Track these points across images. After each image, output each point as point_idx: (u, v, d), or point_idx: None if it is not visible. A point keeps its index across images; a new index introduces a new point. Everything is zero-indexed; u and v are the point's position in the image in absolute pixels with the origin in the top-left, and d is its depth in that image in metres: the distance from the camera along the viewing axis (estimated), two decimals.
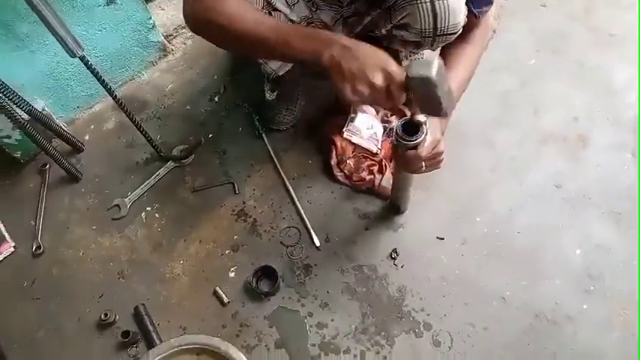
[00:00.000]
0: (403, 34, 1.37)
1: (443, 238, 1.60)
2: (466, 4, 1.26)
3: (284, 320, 1.52)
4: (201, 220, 1.71)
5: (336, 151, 1.71)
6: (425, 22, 1.26)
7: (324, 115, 1.82)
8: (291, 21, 1.40)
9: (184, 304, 1.58)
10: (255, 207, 1.71)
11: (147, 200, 1.77)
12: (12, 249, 1.70)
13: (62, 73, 1.80)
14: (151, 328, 1.51)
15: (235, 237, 1.67)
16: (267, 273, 1.57)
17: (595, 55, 1.93)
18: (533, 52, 1.97)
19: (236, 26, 1.12)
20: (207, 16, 1.14)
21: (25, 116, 1.61)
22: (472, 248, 1.58)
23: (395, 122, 1.70)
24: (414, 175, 1.35)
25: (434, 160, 1.24)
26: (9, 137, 1.72)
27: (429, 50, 1.42)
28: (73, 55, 1.37)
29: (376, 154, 1.70)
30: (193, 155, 1.83)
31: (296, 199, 1.70)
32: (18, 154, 1.81)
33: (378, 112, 1.76)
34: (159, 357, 1.39)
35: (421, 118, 1.12)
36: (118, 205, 1.75)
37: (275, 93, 1.79)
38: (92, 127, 1.95)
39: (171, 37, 2.11)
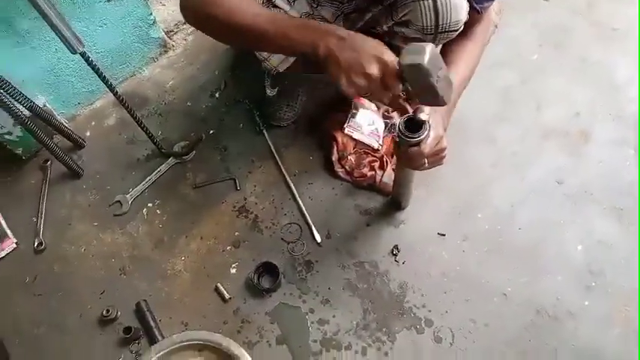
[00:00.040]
0: (404, 30, 1.37)
1: (444, 235, 1.60)
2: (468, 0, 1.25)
3: (285, 316, 1.53)
4: (203, 217, 1.71)
5: (337, 147, 1.71)
6: (426, 19, 1.26)
7: (325, 111, 1.82)
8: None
9: (186, 300, 1.58)
10: (256, 203, 1.71)
11: (148, 196, 1.77)
12: (14, 245, 1.70)
13: (63, 70, 1.80)
14: (152, 324, 1.52)
15: (236, 233, 1.67)
16: (268, 269, 1.57)
17: (597, 50, 1.92)
18: (536, 47, 1.96)
19: (235, 19, 1.12)
20: (205, 9, 1.14)
21: (26, 112, 1.61)
22: (473, 244, 1.58)
23: (396, 118, 1.71)
24: (416, 171, 1.35)
25: (437, 157, 1.24)
26: (10, 134, 1.72)
27: (418, 43, 1.41)
28: (73, 51, 1.37)
29: (377, 150, 1.70)
30: (194, 151, 1.83)
31: (297, 196, 1.70)
32: (19, 151, 1.81)
33: (379, 108, 1.75)
34: (161, 353, 1.40)
35: (424, 115, 1.11)
36: (119, 202, 1.75)
37: (276, 89, 1.79)
38: (93, 123, 1.95)
39: (172, 32, 2.11)
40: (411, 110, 1.11)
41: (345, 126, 1.71)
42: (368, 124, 1.71)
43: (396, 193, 1.60)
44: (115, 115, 1.96)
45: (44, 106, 1.75)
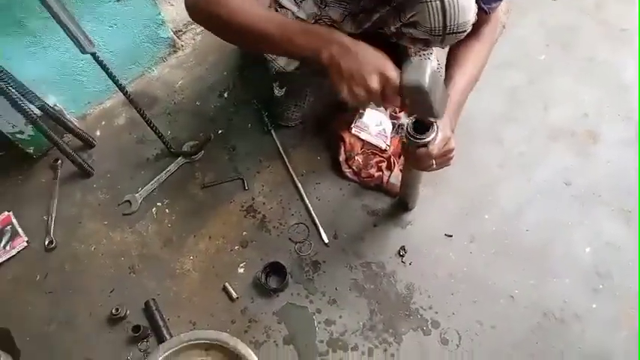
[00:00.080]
0: (412, 31, 1.36)
1: (451, 236, 1.61)
2: (476, 0, 1.25)
3: (292, 316, 1.54)
4: (211, 216, 1.72)
5: (344, 147, 1.71)
6: (434, 20, 1.25)
7: (332, 112, 1.82)
8: (299, 19, 1.39)
9: (194, 299, 1.59)
10: (264, 203, 1.72)
11: (157, 196, 1.78)
12: (25, 244, 1.72)
13: (73, 69, 1.82)
14: (161, 323, 1.53)
15: (244, 233, 1.68)
16: (275, 269, 1.58)
17: (605, 51, 1.91)
18: (543, 47, 1.95)
19: (238, 19, 1.12)
20: (208, 7, 1.14)
21: (37, 112, 1.63)
22: (480, 246, 1.58)
23: (404, 119, 1.71)
24: (423, 172, 1.35)
25: (444, 158, 1.24)
26: (22, 133, 1.74)
27: (420, 60, 1.42)
28: (84, 51, 1.38)
29: (385, 150, 1.70)
30: (203, 151, 1.84)
31: (305, 196, 1.70)
32: (31, 150, 1.83)
33: (386, 109, 1.75)
34: (169, 352, 1.41)
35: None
36: (129, 201, 1.77)
37: (284, 89, 1.79)
38: (103, 122, 1.97)
39: (181, 32, 2.12)
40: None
41: (352, 126, 1.71)
42: (375, 124, 1.72)
43: (403, 194, 1.60)
44: (124, 114, 1.97)
45: (55, 105, 1.77)
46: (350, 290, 1.55)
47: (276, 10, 1.34)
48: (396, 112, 1.75)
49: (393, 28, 1.44)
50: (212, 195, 1.76)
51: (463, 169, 1.66)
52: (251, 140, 1.85)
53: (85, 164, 1.80)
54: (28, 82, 1.58)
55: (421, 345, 1.46)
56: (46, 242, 1.71)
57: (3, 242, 1.72)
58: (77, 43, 1.36)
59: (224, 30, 1.21)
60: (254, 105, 1.91)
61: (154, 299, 1.58)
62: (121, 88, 1.56)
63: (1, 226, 1.75)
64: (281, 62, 1.58)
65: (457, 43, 1.36)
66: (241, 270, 1.62)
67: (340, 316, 1.52)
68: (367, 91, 1.03)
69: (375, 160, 1.69)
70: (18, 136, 1.74)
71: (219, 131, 1.88)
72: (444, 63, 1.42)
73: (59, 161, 1.85)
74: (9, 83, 1.49)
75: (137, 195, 1.77)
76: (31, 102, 1.58)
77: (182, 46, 2.11)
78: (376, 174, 1.67)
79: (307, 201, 1.69)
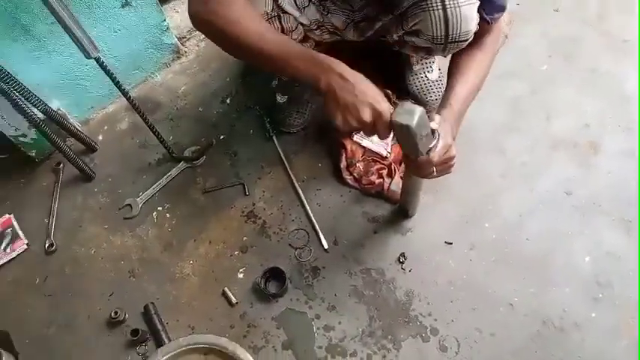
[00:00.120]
0: (414, 40, 1.37)
1: (451, 243, 1.61)
2: (478, 10, 1.26)
3: (291, 322, 1.53)
4: (212, 221, 1.72)
5: (345, 154, 1.72)
6: (437, 29, 1.27)
7: None
8: (302, 24, 1.40)
9: (193, 303, 1.59)
10: (264, 209, 1.73)
11: (158, 200, 1.79)
12: (25, 246, 1.73)
13: (77, 74, 1.83)
14: (160, 327, 1.53)
15: (245, 238, 1.68)
16: (275, 274, 1.58)
17: (607, 61, 1.92)
18: (546, 58, 1.96)
19: (237, 34, 1.15)
20: (209, 18, 1.17)
21: (41, 115, 1.64)
22: (481, 254, 1.58)
23: None
24: (424, 179, 1.36)
25: (445, 165, 1.25)
26: (25, 136, 1.75)
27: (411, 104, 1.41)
28: (88, 56, 1.39)
29: (386, 157, 1.71)
30: (205, 156, 1.84)
31: (305, 202, 1.71)
32: (33, 153, 1.84)
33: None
34: (167, 356, 1.41)
35: (433, 124, 1.13)
36: (129, 205, 1.77)
37: (286, 96, 1.81)
38: (106, 127, 1.98)
39: (185, 39, 2.13)
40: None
41: (353, 133, 1.72)
42: None
43: (403, 201, 1.60)
44: (127, 119, 1.98)
45: (58, 109, 1.78)
46: (349, 296, 1.55)
47: (279, 15, 1.34)
48: None
49: (395, 37, 1.45)
50: (213, 200, 1.77)
51: (465, 178, 1.67)
52: (253, 146, 1.86)
53: (86, 168, 1.81)
54: (32, 85, 1.58)
55: (420, 352, 1.45)
56: (47, 245, 1.72)
57: (3, 245, 1.73)
58: (82, 47, 1.37)
59: (222, 41, 1.23)
60: (256, 111, 1.92)
61: (153, 303, 1.57)
62: (125, 93, 1.57)
63: (2, 228, 1.76)
64: None
65: (459, 52, 1.37)
66: (241, 275, 1.62)
67: (339, 322, 1.52)
68: (359, 122, 1.09)
69: (375, 167, 1.70)
70: (21, 139, 1.75)
71: (221, 137, 1.89)
72: (446, 72, 1.43)
73: (61, 165, 1.86)
74: (13, 86, 1.50)
75: (138, 199, 1.78)
76: (34, 105, 1.59)
77: (186, 52, 2.12)
78: (377, 181, 1.67)
79: (308, 207, 1.70)
